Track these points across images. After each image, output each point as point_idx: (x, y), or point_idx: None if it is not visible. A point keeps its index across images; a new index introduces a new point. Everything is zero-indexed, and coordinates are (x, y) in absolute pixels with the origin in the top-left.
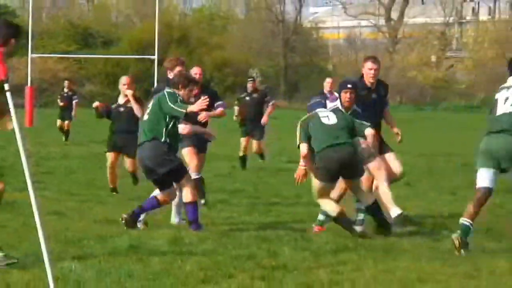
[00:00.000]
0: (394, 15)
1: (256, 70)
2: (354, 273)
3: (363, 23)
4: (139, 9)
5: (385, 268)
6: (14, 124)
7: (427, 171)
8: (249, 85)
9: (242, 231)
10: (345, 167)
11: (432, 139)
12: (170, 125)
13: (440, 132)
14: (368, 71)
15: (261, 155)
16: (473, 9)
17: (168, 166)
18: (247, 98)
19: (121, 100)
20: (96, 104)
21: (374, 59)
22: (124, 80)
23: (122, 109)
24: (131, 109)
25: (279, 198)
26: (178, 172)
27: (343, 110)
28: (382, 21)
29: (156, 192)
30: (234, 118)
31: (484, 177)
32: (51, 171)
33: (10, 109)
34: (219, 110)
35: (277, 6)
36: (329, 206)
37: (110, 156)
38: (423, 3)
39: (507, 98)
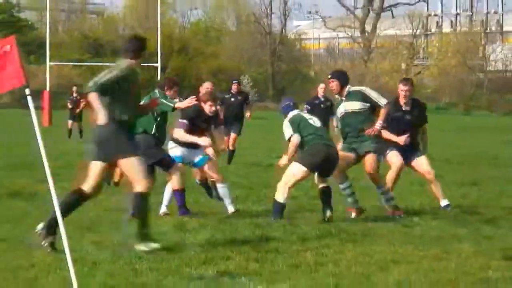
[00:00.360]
0: (368, 27)
1: (247, 76)
2: (337, 255)
3: (341, 34)
4: (143, 23)
5: (363, 251)
6: (35, 123)
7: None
8: (234, 87)
9: (238, 219)
10: (328, 164)
11: None
12: (159, 119)
13: None
14: (400, 92)
15: (232, 154)
16: (437, 22)
17: (156, 157)
18: (232, 98)
19: None
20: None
21: (406, 81)
22: None
23: None
24: None
25: (270, 189)
26: (166, 162)
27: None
28: (357, 33)
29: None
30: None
31: None
32: (68, 165)
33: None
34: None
35: (264, 20)
36: (282, 193)
37: None
38: (393, 17)
39: None
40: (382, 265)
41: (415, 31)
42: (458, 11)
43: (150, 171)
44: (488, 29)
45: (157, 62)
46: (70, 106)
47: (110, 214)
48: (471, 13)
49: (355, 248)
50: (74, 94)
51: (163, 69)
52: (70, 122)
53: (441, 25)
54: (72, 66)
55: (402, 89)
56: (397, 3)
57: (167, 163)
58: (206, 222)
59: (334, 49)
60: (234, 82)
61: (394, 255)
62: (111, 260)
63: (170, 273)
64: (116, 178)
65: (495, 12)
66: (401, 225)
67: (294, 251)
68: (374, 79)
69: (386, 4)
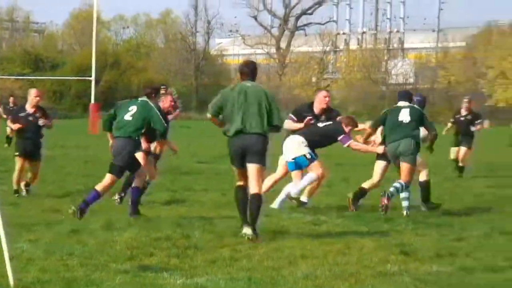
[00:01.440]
0: (283, 44)
1: (174, 88)
2: (250, 251)
3: (258, 51)
4: (79, 39)
5: (275, 247)
6: None
7: None
8: (162, 92)
9: (161, 218)
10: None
11: None
12: (144, 130)
13: None
14: (324, 98)
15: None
16: (345, 40)
17: (128, 161)
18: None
19: (29, 109)
20: (17, 126)
21: (327, 91)
22: (34, 92)
23: (31, 118)
24: (38, 118)
25: (191, 191)
26: (135, 165)
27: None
28: (273, 50)
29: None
30: None
31: None
32: (9, 169)
33: None
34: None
35: (190, 38)
36: None
37: (19, 160)
38: (306, 35)
39: None
40: (291, 260)
41: (325, 48)
42: (364, 30)
43: (120, 172)
44: (391, 46)
45: (91, 76)
46: (4, 116)
47: (44, 214)
48: (376, 32)
49: (268, 244)
50: (11, 104)
51: (97, 82)
52: (8, 129)
53: (349, 42)
54: (14, 80)
55: (325, 95)
56: (310, 23)
57: (135, 166)
58: (132, 221)
59: None
60: (163, 87)
61: (302, 250)
62: (45, 257)
63: (98, 268)
64: (15, 185)
65: (397, 31)
66: (309, 223)
67: (212, 247)
68: (287, 91)
69: (299, 24)
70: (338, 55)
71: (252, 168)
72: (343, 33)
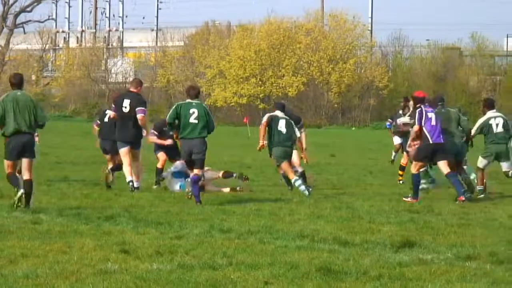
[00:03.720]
0: (2, 42)
1: None
2: None
3: None
4: None
5: None
6: None
7: None
8: None
9: None
10: None
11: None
12: None
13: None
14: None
15: None
16: (65, 38)
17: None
18: None
19: None
20: None
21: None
22: None
23: None
24: None
25: None
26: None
27: None
28: None
29: None
30: None
31: None
32: None
33: None
34: None
35: None
36: None
37: None
38: (25, 33)
39: None
40: (12, 259)
41: (44, 46)
42: (83, 28)
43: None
44: (110, 44)
45: None
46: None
47: None
48: (95, 30)
49: None
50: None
51: None
52: None
53: (68, 40)
54: None
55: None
56: (29, 21)
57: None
58: None
59: None
60: None
61: (23, 250)
62: None
63: None
64: None
65: (117, 30)
66: (29, 222)
67: None
68: (7, 90)
69: (18, 21)
70: (57, 53)
71: (26, 161)
72: (63, 31)
